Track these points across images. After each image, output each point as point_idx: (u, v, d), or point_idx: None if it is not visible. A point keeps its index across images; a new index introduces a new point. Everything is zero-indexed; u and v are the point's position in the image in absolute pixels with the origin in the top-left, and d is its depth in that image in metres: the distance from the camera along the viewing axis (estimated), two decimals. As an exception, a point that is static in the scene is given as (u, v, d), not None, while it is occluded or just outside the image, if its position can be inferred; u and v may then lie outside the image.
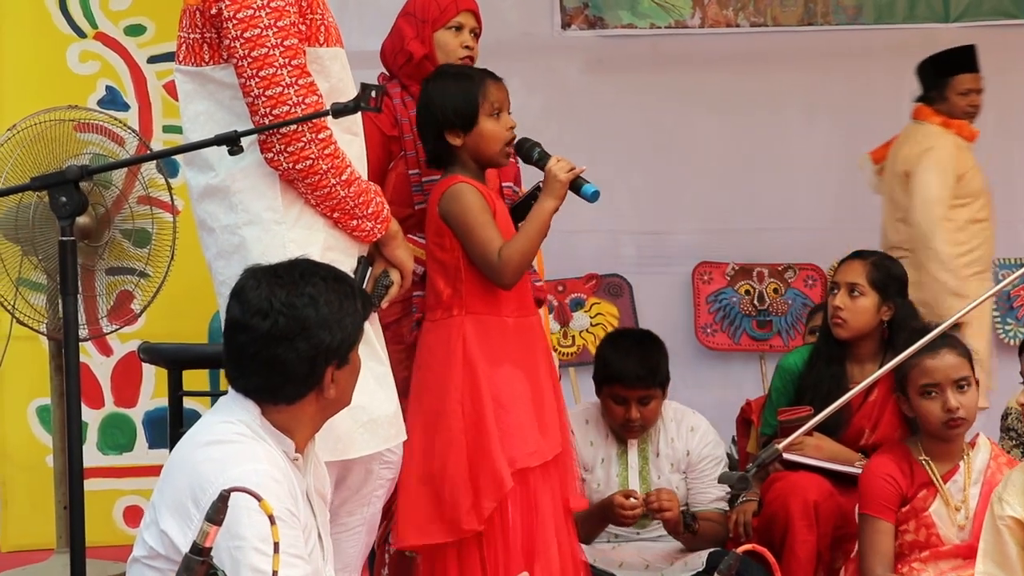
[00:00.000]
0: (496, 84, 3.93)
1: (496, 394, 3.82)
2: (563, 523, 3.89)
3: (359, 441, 3.46)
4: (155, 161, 5.02)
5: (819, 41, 6.22)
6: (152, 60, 5.64)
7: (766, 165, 6.21)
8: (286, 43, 3.36)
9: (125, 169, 5.01)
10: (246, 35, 3.35)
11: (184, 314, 5.41)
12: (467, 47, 4.13)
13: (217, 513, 2.33)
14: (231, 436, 3.00)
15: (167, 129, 5.59)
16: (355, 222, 3.48)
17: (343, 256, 3.45)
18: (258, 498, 2.33)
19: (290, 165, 3.38)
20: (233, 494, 2.36)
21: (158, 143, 5.57)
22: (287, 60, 3.35)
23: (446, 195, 3.87)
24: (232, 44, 3.37)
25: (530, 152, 3.96)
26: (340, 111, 3.27)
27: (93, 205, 4.93)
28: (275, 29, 3.35)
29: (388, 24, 4.26)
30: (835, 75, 6.24)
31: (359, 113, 3.38)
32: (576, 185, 3.88)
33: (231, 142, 3.24)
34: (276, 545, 2.29)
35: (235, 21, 3.35)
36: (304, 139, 3.36)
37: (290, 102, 3.34)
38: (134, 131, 5.15)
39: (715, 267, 6.20)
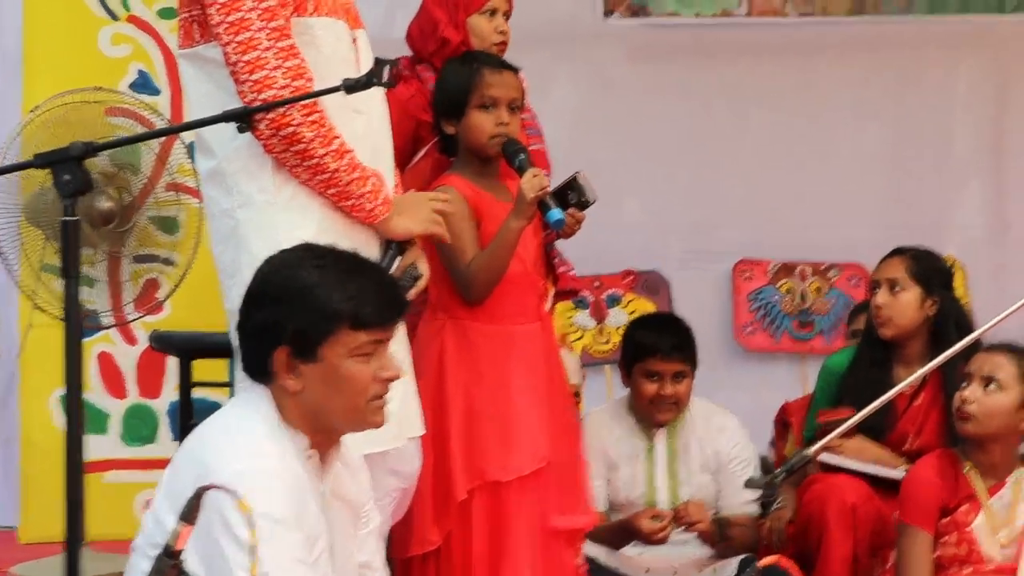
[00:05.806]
0: (495, 74, 3.81)
1: (470, 405, 3.76)
2: (545, 541, 3.77)
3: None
4: (183, 146, 4.93)
5: (869, 32, 6.09)
6: (184, 44, 5.59)
7: (812, 160, 6.10)
8: (271, 24, 3.25)
9: (154, 155, 4.94)
10: (229, 19, 3.25)
11: (209, 303, 5.29)
12: (501, 32, 4.03)
13: (191, 512, 2.21)
14: (243, 428, 2.89)
15: (198, 114, 5.53)
16: (352, 202, 3.33)
17: (341, 240, 3.24)
18: (237, 496, 2.20)
19: (272, 132, 3.24)
20: (216, 492, 2.24)
21: (188, 128, 5.52)
22: (272, 42, 3.24)
23: None
24: (216, 30, 3.27)
25: (512, 158, 3.82)
26: (352, 87, 3.14)
27: (120, 190, 4.88)
28: (259, 11, 3.24)
29: (409, 10, 4.18)
30: (885, 67, 6.11)
31: (370, 91, 3.24)
32: (543, 207, 3.77)
33: (239, 118, 3.13)
34: (253, 548, 2.16)
35: (218, 6, 3.25)
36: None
37: (276, 86, 3.23)
38: (163, 116, 5.10)
39: (756, 264, 6.12)
